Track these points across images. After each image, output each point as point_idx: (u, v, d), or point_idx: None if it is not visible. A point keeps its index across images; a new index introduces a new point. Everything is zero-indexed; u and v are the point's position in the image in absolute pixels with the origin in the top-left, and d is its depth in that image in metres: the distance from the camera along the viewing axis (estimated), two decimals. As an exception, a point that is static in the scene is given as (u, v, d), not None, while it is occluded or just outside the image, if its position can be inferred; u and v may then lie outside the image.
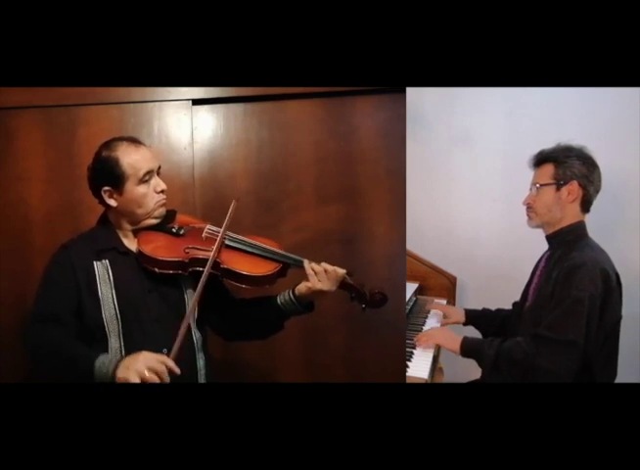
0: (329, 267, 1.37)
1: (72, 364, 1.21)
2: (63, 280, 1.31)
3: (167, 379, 1.15)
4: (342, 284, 1.40)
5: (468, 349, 1.58)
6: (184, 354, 1.34)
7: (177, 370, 1.17)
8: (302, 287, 1.39)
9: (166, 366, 1.16)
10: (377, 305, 1.42)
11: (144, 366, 1.14)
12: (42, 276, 1.35)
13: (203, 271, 1.31)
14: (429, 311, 2.08)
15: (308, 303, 1.42)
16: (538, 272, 1.70)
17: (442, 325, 1.95)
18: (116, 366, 1.16)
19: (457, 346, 1.59)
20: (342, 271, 1.38)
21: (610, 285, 1.46)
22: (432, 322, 1.99)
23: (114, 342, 1.31)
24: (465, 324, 1.95)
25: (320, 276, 1.36)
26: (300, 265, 1.39)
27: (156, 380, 1.13)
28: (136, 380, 1.12)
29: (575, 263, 1.47)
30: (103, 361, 1.18)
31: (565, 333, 1.41)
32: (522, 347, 1.46)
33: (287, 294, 1.41)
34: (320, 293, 1.37)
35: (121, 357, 1.19)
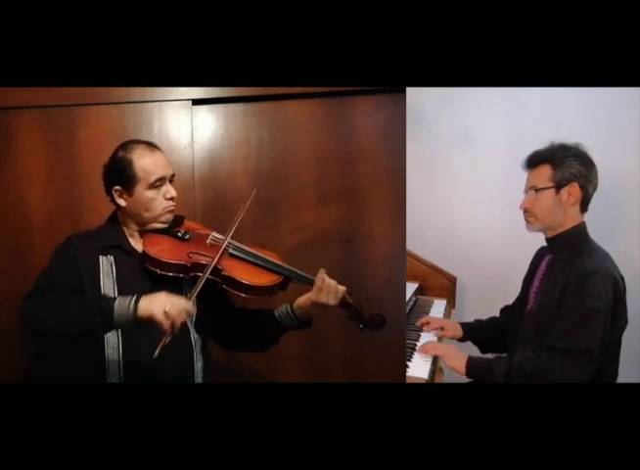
0: (332, 282, 1.36)
1: (87, 310, 1.23)
2: (65, 270, 1.33)
3: (185, 316, 1.23)
4: (342, 303, 1.39)
5: (474, 368, 1.53)
6: (181, 356, 1.35)
7: (193, 310, 1.27)
8: (302, 299, 1.39)
9: (185, 308, 1.22)
10: (375, 327, 1.42)
11: (167, 301, 1.21)
12: (46, 265, 1.36)
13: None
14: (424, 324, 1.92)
15: (306, 319, 1.41)
16: (539, 275, 1.66)
17: (439, 337, 1.86)
18: (138, 300, 1.21)
19: (462, 365, 1.53)
20: (342, 288, 1.37)
21: (618, 292, 1.45)
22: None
23: (113, 337, 1.31)
24: (462, 340, 1.88)
25: (325, 289, 1.35)
26: (305, 281, 1.39)
27: (175, 314, 1.20)
28: (159, 313, 1.19)
29: (587, 272, 1.43)
30: (122, 299, 1.22)
31: (580, 344, 1.39)
32: (532, 360, 1.43)
33: (284, 307, 1.41)
34: (319, 307, 1.37)
35: (138, 296, 1.23)
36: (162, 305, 1.20)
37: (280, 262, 1.42)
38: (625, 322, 1.54)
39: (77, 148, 1.91)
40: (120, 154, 1.37)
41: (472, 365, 1.54)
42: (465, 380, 1.87)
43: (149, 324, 1.22)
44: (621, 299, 1.47)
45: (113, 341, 1.31)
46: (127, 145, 1.38)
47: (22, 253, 1.91)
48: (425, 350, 1.65)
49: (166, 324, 1.19)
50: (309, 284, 1.38)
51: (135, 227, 1.40)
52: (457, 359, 1.56)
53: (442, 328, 1.88)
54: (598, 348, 1.39)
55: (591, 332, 1.39)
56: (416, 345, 1.72)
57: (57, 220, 1.90)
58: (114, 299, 1.23)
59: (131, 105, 1.92)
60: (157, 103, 1.92)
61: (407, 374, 1.53)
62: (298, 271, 1.41)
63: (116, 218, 1.42)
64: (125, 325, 1.23)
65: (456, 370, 1.56)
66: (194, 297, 1.28)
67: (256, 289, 1.37)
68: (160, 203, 1.37)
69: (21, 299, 1.59)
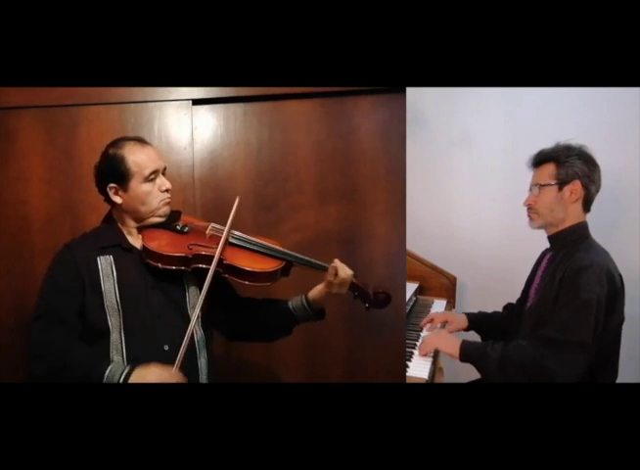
0: (343, 274, 1.36)
1: (79, 372, 1.24)
2: (65, 280, 1.32)
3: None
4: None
5: (467, 353, 1.54)
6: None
7: (185, 381, 1.25)
8: (316, 292, 1.39)
9: (176, 381, 1.23)
10: (380, 306, 1.42)
11: (157, 379, 1.21)
12: (45, 275, 1.36)
13: (205, 268, 1.33)
14: (430, 320, 1.95)
15: (320, 309, 1.42)
16: (540, 273, 1.69)
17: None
18: (128, 376, 1.21)
19: (456, 350, 1.55)
20: (350, 272, 1.38)
21: (614, 287, 1.46)
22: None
23: (116, 337, 1.31)
24: (467, 330, 1.91)
25: (339, 281, 1.35)
26: (306, 265, 1.40)
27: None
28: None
29: (582, 265, 1.45)
30: (113, 371, 1.23)
31: (574, 334, 1.40)
32: (527, 349, 1.44)
33: (299, 299, 1.42)
34: (332, 296, 1.38)
35: (131, 368, 1.23)
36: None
37: (280, 248, 1.42)
38: (622, 319, 1.55)
39: (78, 148, 1.91)
40: (111, 151, 1.36)
41: (465, 349, 1.55)
42: (465, 380, 1.87)
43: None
44: (618, 294, 1.48)
45: (116, 341, 1.31)
46: (117, 142, 1.38)
47: (22, 252, 1.91)
48: (422, 353, 1.65)
49: None
50: (311, 267, 1.40)
51: (133, 224, 1.39)
52: (450, 345, 1.58)
53: (447, 322, 1.90)
54: (592, 339, 1.40)
55: (585, 323, 1.40)
56: (416, 345, 1.72)
57: (57, 220, 1.91)
58: (108, 365, 1.24)
59: (131, 105, 1.92)
60: (157, 103, 1.92)
61: (407, 374, 1.53)
62: (299, 255, 1.42)
63: (112, 218, 1.42)
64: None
65: (452, 356, 1.58)
66: (205, 293, 1.29)
67: (259, 275, 1.37)
68: (156, 195, 1.37)
69: (21, 300, 1.60)
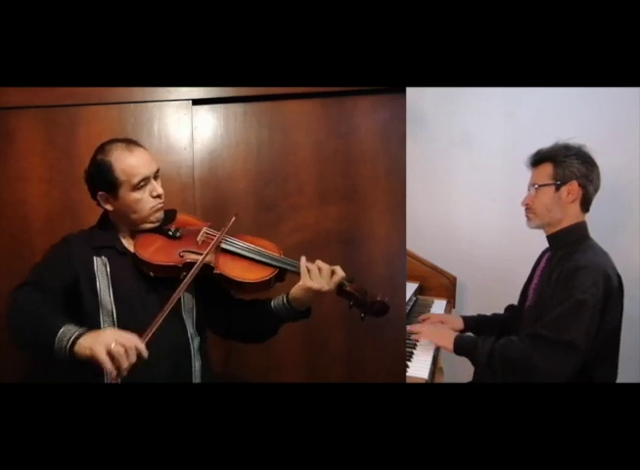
0: (323, 266, 1.34)
1: (39, 328, 1.15)
2: (55, 265, 1.31)
3: (134, 357, 1.09)
4: (340, 291, 1.38)
5: (461, 346, 1.57)
6: (178, 356, 1.34)
7: (145, 354, 1.11)
8: (295, 288, 1.36)
9: (135, 346, 1.10)
10: (377, 315, 1.40)
11: (112, 339, 1.08)
12: (38, 262, 1.35)
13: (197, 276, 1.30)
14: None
15: (304, 309, 1.39)
16: (538, 272, 1.69)
17: None
18: (80, 335, 1.10)
19: (450, 344, 1.59)
20: (340, 273, 1.35)
21: (611, 289, 1.46)
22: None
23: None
24: (463, 331, 1.89)
25: (313, 274, 1.33)
26: (296, 270, 1.37)
27: (122, 353, 1.07)
28: (102, 353, 1.06)
29: (578, 265, 1.45)
30: (69, 329, 1.12)
31: (564, 333, 1.40)
32: (517, 345, 1.45)
33: (280, 298, 1.39)
34: (313, 293, 1.34)
35: (86, 329, 1.13)
36: (106, 344, 1.06)
37: (274, 254, 1.39)
38: (619, 320, 1.54)
39: (77, 148, 1.91)
40: (99, 157, 1.33)
41: (459, 342, 1.59)
42: (465, 380, 1.87)
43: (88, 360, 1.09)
44: (614, 295, 1.48)
45: None
46: (105, 147, 1.34)
47: (22, 253, 1.90)
48: (413, 337, 1.67)
49: (109, 366, 1.06)
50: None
51: (126, 229, 1.38)
52: (446, 339, 1.61)
53: (442, 322, 1.90)
54: (583, 340, 1.40)
55: (577, 324, 1.41)
56: (416, 345, 1.72)
57: (57, 220, 1.90)
58: (62, 327, 1.12)
59: (131, 105, 1.92)
60: (157, 103, 1.92)
61: (407, 374, 1.53)
62: (292, 261, 1.39)
63: (108, 219, 1.40)
64: (67, 361, 1.11)
65: (446, 349, 1.61)
66: (174, 302, 1.22)
67: (250, 285, 1.35)
68: (146, 202, 1.33)
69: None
